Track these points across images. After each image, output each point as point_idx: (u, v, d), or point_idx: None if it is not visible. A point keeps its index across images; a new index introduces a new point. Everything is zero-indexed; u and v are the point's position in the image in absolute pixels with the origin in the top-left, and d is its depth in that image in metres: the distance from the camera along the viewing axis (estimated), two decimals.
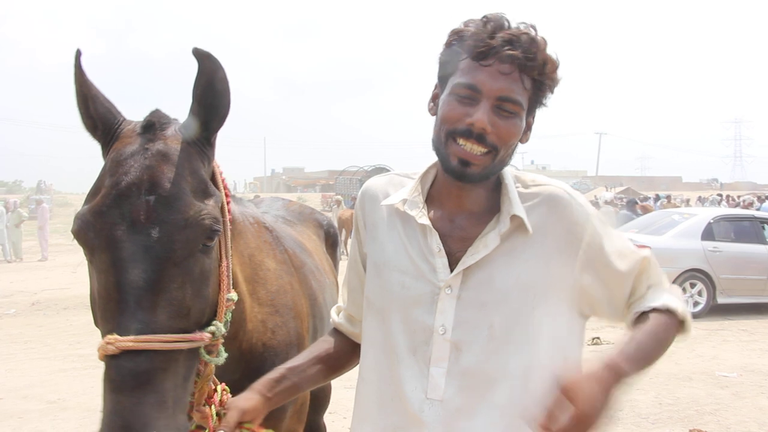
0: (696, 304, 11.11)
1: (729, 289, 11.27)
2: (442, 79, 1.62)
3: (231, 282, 1.65)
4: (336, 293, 2.99)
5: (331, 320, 1.97)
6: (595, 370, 1.41)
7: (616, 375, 1.42)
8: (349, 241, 1.99)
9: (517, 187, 1.65)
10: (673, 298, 1.66)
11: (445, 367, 1.59)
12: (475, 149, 1.54)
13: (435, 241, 1.62)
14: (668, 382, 7.19)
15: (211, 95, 1.55)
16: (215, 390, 1.71)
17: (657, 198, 30.12)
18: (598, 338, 8.79)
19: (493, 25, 1.55)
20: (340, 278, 2.27)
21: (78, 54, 1.53)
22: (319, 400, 3.80)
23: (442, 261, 1.61)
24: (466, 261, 1.59)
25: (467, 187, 1.62)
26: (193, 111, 1.57)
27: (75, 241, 1.51)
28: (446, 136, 1.57)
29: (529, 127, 1.63)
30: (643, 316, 1.64)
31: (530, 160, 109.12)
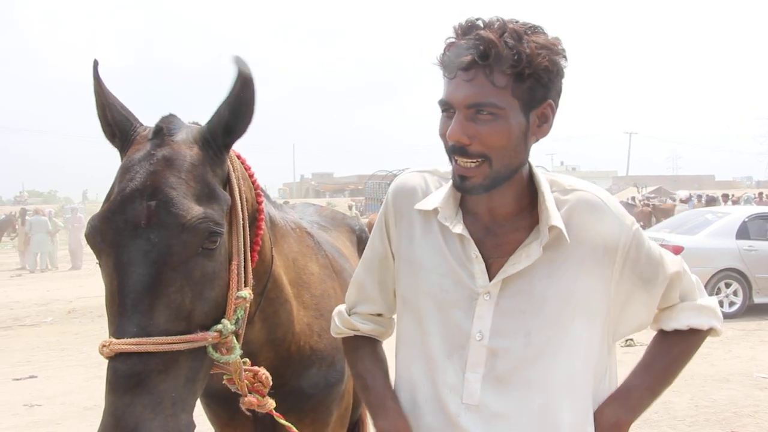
0: (732, 304, 10.96)
1: (766, 289, 11.09)
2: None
3: (243, 280, 1.66)
4: None
5: (347, 329, 1.86)
6: None
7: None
8: None
9: (553, 192, 1.63)
10: (697, 315, 1.72)
11: (481, 373, 1.60)
12: (465, 162, 1.52)
13: (472, 249, 1.61)
14: (704, 383, 7.08)
15: (242, 103, 1.58)
16: (254, 377, 1.79)
17: (690, 198, 29.66)
18: (631, 340, 8.67)
19: (461, 32, 1.51)
20: None
21: (95, 64, 1.58)
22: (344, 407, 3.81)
23: (480, 267, 1.61)
24: (507, 270, 1.58)
25: (488, 194, 1.59)
26: (218, 115, 1.60)
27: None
28: (448, 155, 1.57)
29: (545, 119, 1.56)
30: (665, 335, 1.75)
31: (560, 161, 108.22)
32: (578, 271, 1.59)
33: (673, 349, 1.74)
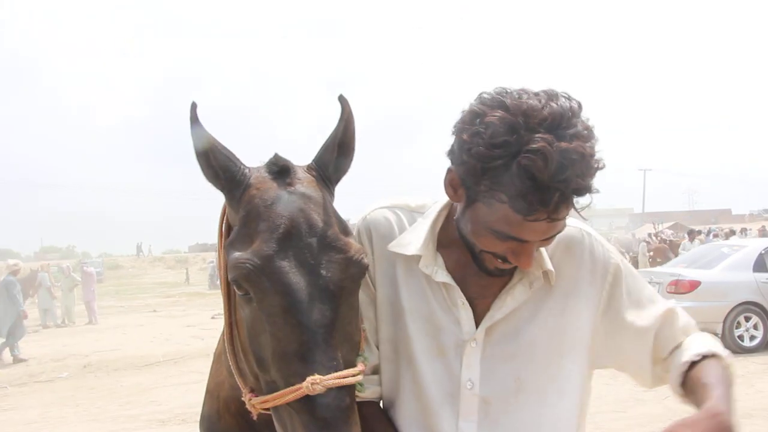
0: (752, 338, 10.72)
1: None
2: (472, 184, 1.42)
3: None
4: None
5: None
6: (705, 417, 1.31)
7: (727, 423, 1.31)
8: None
9: None
10: (712, 342, 1.55)
11: (475, 421, 1.56)
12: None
13: (458, 295, 1.57)
14: None
15: (348, 138, 1.62)
16: None
17: (709, 232, 29.31)
18: None
19: (553, 167, 1.29)
20: None
21: (194, 107, 1.56)
22: None
23: (467, 314, 1.56)
24: (493, 315, 1.54)
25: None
26: (330, 153, 1.61)
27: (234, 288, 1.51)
28: (480, 255, 1.49)
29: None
30: (694, 366, 1.49)
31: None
32: (563, 309, 1.56)
33: (717, 369, 1.47)
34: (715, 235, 26.25)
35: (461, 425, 1.56)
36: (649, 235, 33.97)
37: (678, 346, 1.58)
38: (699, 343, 1.55)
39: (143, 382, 10.60)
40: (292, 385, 1.38)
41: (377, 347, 1.70)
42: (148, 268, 63.64)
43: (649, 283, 11.25)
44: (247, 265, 1.45)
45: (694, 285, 10.72)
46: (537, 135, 1.30)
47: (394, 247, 1.63)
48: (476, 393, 1.55)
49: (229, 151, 1.61)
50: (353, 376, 1.41)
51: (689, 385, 1.48)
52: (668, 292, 10.88)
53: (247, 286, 1.46)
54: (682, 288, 10.73)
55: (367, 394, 1.67)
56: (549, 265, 1.53)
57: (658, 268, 13.72)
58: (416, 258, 1.60)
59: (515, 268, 1.53)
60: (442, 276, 1.57)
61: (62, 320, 21.52)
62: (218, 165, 1.59)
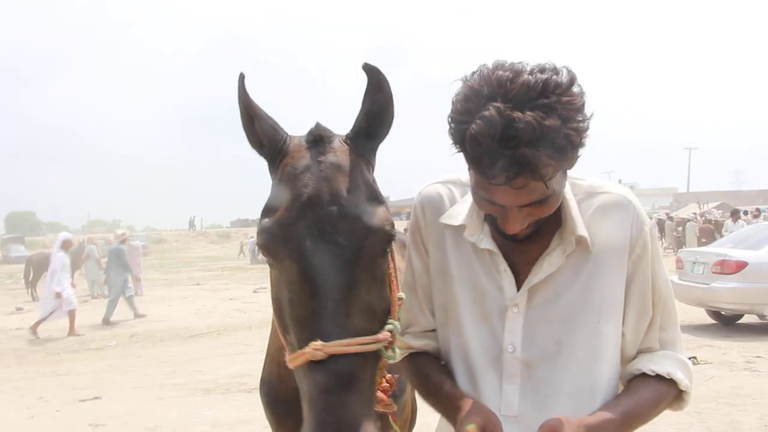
0: None
1: None
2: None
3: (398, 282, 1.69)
4: None
5: (401, 349, 1.80)
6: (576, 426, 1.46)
7: None
8: None
9: (575, 196, 1.63)
10: (679, 368, 1.67)
11: (518, 384, 1.62)
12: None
13: (500, 262, 1.64)
14: None
15: (378, 106, 1.61)
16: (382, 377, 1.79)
17: (758, 213, 28.40)
18: (694, 357, 8.44)
19: (498, 133, 1.34)
20: None
21: (242, 77, 1.59)
22: (404, 419, 3.80)
23: (508, 280, 1.64)
24: (531, 280, 1.61)
25: None
26: (360, 122, 1.62)
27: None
28: (489, 217, 1.57)
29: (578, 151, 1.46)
30: (643, 377, 1.66)
31: (618, 179, 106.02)
32: (601, 274, 1.60)
33: (653, 394, 1.63)
34: (755, 216, 25.41)
35: (504, 388, 1.63)
36: (694, 214, 33.37)
37: (651, 351, 1.69)
38: (665, 361, 1.66)
39: (188, 352, 10.86)
40: (302, 348, 1.42)
41: (432, 314, 1.80)
42: (192, 242, 64.70)
43: (694, 263, 11.03)
44: (267, 233, 1.50)
45: (740, 266, 10.51)
46: (493, 104, 1.36)
47: (445, 218, 1.73)
48: (518, 357, 1.62)
49: (273, 120, 1.64)
50: (366, 344, 1.43)
51: (626, 388, 1.67)
52: (714, 273, 10.73)
53: (269, 253, 1.51)
54: (727, 269, 10.53)
55: (417, 344, 1.81)
56: (582, 231, 1.58)
57: (703, 248, 13.48)
58: (463, 228, 1.68)
59: (553, 235, 1.61)
60: (486, 243, 1.65)
61: (96, 292, 21.99)
62: (262, 133, 1.63)
